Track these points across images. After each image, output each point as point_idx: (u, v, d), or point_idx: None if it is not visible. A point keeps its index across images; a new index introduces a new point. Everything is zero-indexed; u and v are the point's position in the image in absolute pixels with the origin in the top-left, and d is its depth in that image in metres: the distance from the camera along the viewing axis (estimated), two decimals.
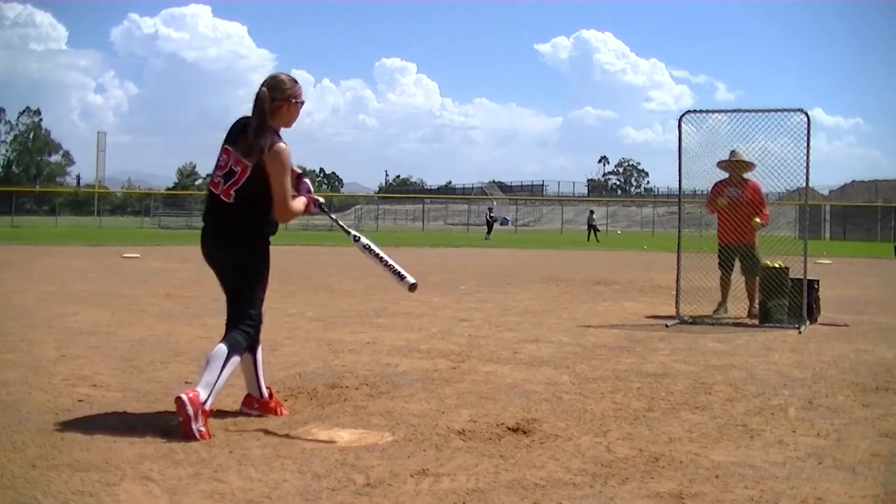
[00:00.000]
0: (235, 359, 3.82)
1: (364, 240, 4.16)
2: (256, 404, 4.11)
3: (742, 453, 3.57)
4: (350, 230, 4.26)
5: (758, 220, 8.45)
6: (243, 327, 3.90)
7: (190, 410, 3.59)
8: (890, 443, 3.77)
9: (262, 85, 3.93)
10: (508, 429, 3.89)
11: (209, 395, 3.66)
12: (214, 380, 3.69)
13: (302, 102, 4.02)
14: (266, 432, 3.75)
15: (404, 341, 6.58)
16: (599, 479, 3.17)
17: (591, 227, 38.16)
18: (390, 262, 4.09)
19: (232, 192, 3.88)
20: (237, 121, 4.00)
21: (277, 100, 3.90)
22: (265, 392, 4.13)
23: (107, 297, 9.48)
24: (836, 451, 3.61)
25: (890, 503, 3.00)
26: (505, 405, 4.39)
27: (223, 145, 3.97)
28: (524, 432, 3.85)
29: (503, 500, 2.94)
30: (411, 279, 4.07)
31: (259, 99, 3.88)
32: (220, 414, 4.02)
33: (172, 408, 4.07)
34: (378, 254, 4.09)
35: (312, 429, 3.83)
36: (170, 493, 2.93)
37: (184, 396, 3.62)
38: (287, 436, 3.70)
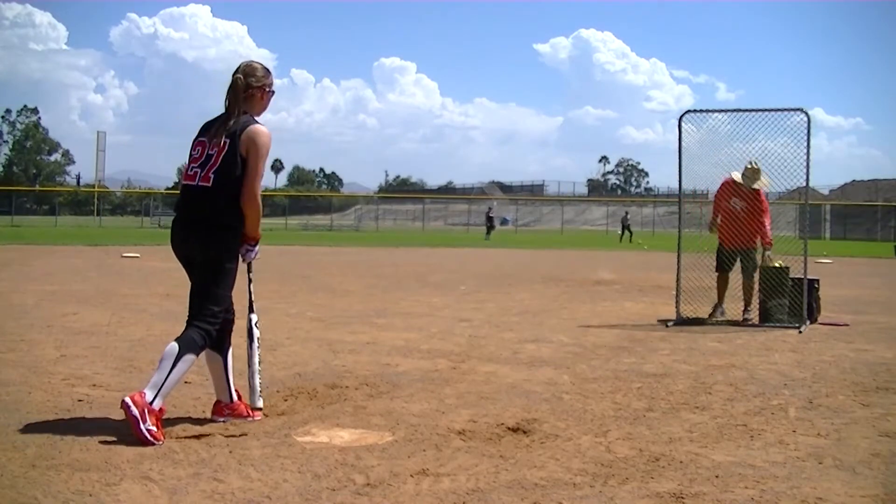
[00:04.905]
0: (189, 357, 3.66)
1: (255, 322, 4.07)
2: (227, 410, 3.98)
3: (742, 453, 3.56)
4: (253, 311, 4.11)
5: (769, 254, 8.27)
6: (202, 325, 3.75)
7: (135, 412, 3.46)
8: (890, 443, 3.77)
9: (237, 72, 3.90)
10: (508, 429, 3.89)
11: (156, 395, 3.55)
12: (163, 379, 3.58)
13: (273, 92, 4.03)
14: (266, 432, 3.75)
15: (404, 341, 6.57)
16: (599, 479, 3.17)
17: (626, 227, 38.16)
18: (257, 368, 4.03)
19: (211, 174, 3.77)
20: (212, 119, 3.95)
21: (252, 87, 3.91)
22: (234, 396, 4.00)
23: (107, 296, 9.48)
24: (837, 451, 3.61)
25: (890, 503, 3.00)
26: (505, 405, 4.39)
27: (196, 139, 3.91)
28: (524, 432, 3.84)
29: (503, 500, 2.94)
30: (259, 402, 4.02)
31: (234, 85, 3.87)
32: None
33: (173, 408, 4.09)
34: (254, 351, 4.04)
35: (312, 429, 3.83)
36: (170, 493, 2.93)
37: (127, 399, 3.50)
38: (287, 436, 3.70)
